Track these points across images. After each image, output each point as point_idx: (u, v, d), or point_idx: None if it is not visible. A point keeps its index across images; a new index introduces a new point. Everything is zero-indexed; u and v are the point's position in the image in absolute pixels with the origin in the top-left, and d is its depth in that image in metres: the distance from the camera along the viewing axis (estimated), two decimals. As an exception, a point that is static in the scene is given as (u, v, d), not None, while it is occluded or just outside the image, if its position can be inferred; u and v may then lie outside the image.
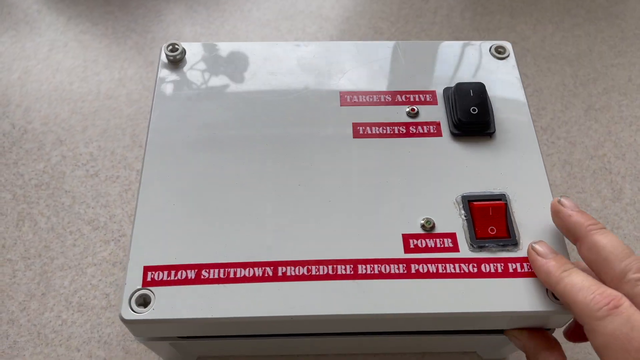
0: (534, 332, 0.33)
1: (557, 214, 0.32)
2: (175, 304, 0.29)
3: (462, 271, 0.30)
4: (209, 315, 0.29)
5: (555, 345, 0.32)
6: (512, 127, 0.37)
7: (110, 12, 0.60)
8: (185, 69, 0.38)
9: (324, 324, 0.30)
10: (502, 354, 0.42)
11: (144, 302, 0.29)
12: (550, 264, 0.30)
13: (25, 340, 0.42)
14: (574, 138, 0.53)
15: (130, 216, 0.47)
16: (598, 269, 0.29)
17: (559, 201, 0.32)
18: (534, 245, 0.31)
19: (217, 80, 0.38)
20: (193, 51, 0.39)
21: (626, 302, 0.26)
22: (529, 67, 0.58)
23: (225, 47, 0.40)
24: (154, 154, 0.35)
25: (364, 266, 0.30)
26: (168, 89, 0.37)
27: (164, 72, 0.38)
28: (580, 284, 0.28)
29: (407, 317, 0.30)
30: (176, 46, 0.39)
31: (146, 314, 0.29)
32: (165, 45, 0.39)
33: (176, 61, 0.38)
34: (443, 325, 0.31)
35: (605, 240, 0.29)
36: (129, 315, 0.29)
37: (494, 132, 0.36)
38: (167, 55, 0.38)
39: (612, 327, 0.25)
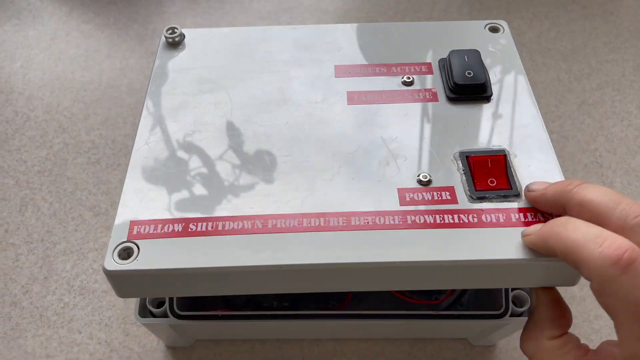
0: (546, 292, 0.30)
1: (534, 202, 0.29)
2: (160, 255, 0.28)
3: (461, 221, 0.29)
4: (195, 265, 0.27)
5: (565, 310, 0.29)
6: (510, 92, 0.36)
7: (113, 2, 0.61)
8: (184, 51, 0.39)
9: (315, 276, 0.29)
10: (491, 341, 0.43)
11: (127, 255, 0.28)
12: (542, 231, 0.27)
13: (28, 322, 0.43)
14: (567, 132, 0.54)
15: (131, 203, 0.48)
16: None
17: (528, 190, 0.29)
18: (523, 232, 0.28)
19: (215, 58, 0.39)
20: (192, 36, 0.40)
21: None
22: (524, 62, 0.59)
23: (222, 31, 0.41)
24: (150, 113, 0.35)
25: (357, 218, 0.29)
26: (167, 64, 0.38)
27: (164, 52, 0.39)
28: (582, 238, 0.24)
29: (402, 266, 0.28)
30: (175, 30, 0.39)
31: (129, 265, 0.27)
32: (165, 29, 0.40)
33: (175, 43, 0.39)
34: (440, 278, 0.30)
35: (590, 195, 0.25)
36: (112, 266, 0.27)
37: (491, 95, 0.35)
38: (166, 38, 0.39)
39: (625, 289, 0.22)
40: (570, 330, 0.28)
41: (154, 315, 0.36)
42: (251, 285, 0.29)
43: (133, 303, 0.44)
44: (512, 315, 0.36)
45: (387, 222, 0.29)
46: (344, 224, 0.29)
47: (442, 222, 0.29)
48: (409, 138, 0.33)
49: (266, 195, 0.30)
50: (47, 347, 0.42)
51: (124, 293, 0.29)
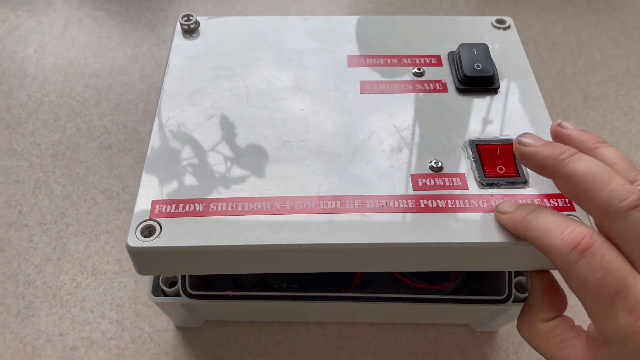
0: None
1: (523, 156, 0.28)
2: (182, 233, 0.29)
3: (471, 205, 0.30)
4: (216, 243, 0.28)
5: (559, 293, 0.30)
6: (517, 85, 0.37)
7: (124, -11, 0.62)
8: (199, 38, 0.40)
9: (331, 256, 0.30)
10: (493, 327, 0.44)
11: (149, 233, 0.29)
12: (515, 215, 0.28)
13: (41, 301, 0.44)
14: (571, 125, 0.55)
15: (142, 187, 0.49)
16: (579, 203, 0.26)
17: (519, 142, 0.28)
18: (497, 207, 0.30)
19: (230, 46, 0.39)
20: (206, 23, 0.41)
21: (598, 241, 0.24)
22: (530, 55, 0.59)
23: (237, 20, 0.42)
24: (168, 97, 0.36)
25: (372, 201, 0.30)
26: (183, 50, 0.39)
27: (179, 39, 0.40)
28: (547, 227, 0.25)
29: (415, 247, 0.29)
30: (190, 17, 0.40)
31: (152, 242, 0.28)
32: (180, 16, 0.41)
33: (190, 30, 0.40)
34: (452, 259, 0.31)
35: (581, 168, 0.25)
36: (135, 242, 0.28)
37: (499, 87, 0.37)
38: (181, 25, 0.40)
39: (584, 272, 0.24)
40: (569, 314, 0.29)
41: (166, 295, 0.37)
42: (270, 264, 0.30)
43: (144, 284, 0.45)
44: (514, 300, 0.37)
45: (401, 206, 0.30)
46: (359, 207, 0.30)
47: (454, 206, 0.30)
48: (420, 126, 0.35)
49: (283, 178, 0.31)
50: (60, 325, 0.43)
51: (145, 270, 0.30)
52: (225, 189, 0.31)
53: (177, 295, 0.36)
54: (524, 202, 0.30)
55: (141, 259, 0.29)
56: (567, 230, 0.24)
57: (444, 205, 0.30)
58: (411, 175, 0.32)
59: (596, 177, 0.24)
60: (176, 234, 0.29)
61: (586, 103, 0.57)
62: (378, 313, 0.43)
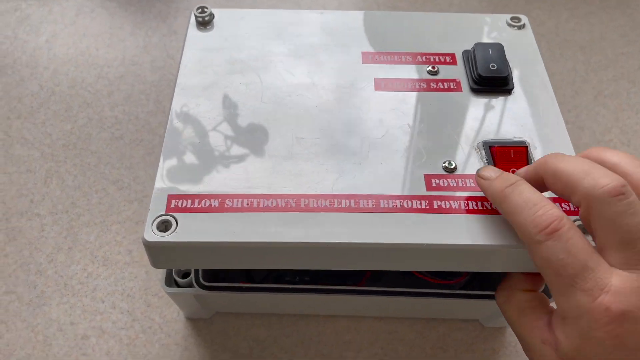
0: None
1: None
2: (197, 228, 0.29)
3: (484, 208, 0.30)
4: (231, 240, 0.29)
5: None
6: (531, 86, 0.37)
7: (135, -20, 0.62)
8: (213, 30, 0.40)
9: (345, 254, 0.30)
10: (502, 323, 0.44)
11: (165, 228, 0.29)
12: (494, 184, 0.29)
13: (53, 290, 0.44)
14: (582, 123, 0.55)
15: (153, 178, 0.49)
16: (565, 196, 0.27)
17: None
18: (478, 171, 0.31)
19: (244, 39, 0.39)
20: (221, 16, 0.41)
21: (566, 225, 0.25)
22: (542, 52, 0.59)
23: (251, 13, 0.42)
24: (182, 90, 0.36)
25: (385, 201, 0.31)
26: (197, 43, 0.39)
27: (193, 31, 0.40)
28: (522, 204, 0.27)
29: (429, 248, 0.29)
30: (205, 9, 0.40)
31: (168, 237, 0.29)
32: (195, 8, 0.41)
33: (204, 22, 0.40)
34: (466, 260, 0.31)
35: (562, 165, 0.27)
36: (152, 237, 0.29)
37: (513, 88, 0.37)
38: (196, 17, 0.40)
39: (548, 252, 0.25)
40: None
41: (178, 285, 0.37)
42: (283, 261, 0.31)
43: (154, 275, 0.45)
44: (526, 296, 0.37)
45: (414, 206, 0.30)
46: (373, 206, 0.30)
47: (467, 208, 0.30)
48: (434, 126, 0.35)
49: (298, 175, 0.32)
50: (71, 314, 0.43)
51: (160, 264, 0.31)
52: (241, 185, 0.31)
53: (190, 286, 0.36)
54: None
55: (157, 253, 0.30)
56: (540, 211, 0.26)
57: (457, 207, 0.30)
58: (425, 175, 0.32)
59: (577, 170, 0.26)
60: (192, 229, 0.29)
61: (598, 100, 0.57)
62: (387, 307, 0.43)
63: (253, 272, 0.41)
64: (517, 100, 0.36)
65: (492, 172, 0.30)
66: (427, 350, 0.44)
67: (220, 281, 0.38)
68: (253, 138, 0.34)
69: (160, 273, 0.45)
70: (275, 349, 0.43)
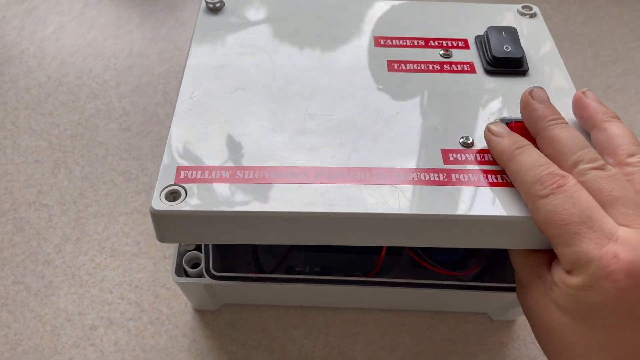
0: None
1: (525, 106, 0.31)
2: (208, 198, 0.28)
3: (504, 181, 0.30)
4: (243, 209, 0.28)
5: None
6: (546, 68, 0.37)
7: (143, -28, 0.62)
8: (224, 15, 0.40)
9: (360, 226, 0.29)
10: (511, 316, 0.44)
11: (173, 198, 0.28)
12: (504, 142, 0.29)
13: (61, 281, 0.44)
14: (591, 116, 0.55)
15: (161, 169, 0.49)
16: (553, 161, 0.28)
17: (530, 92, 0.31)
18: (489, 125, 0.31)
19: (255, 23, 0.39)
20: (231, 2, 0.40)
21: (571, 181, 0.26)
22: (550, 46, 0.59)
23: None
24: (192, 69, 0.35)
25: (402, 174, 0.30)
26: (208, 28, 0.38)
27: (204, 18, 0.39)
28: (530, 163, 0.27)
29: (447, 219, 0.28)
30: None
31: (177, 205, 0.27)
32: None
33: (215, 9, 0.40)
34: (484, 234, 0.30)
35: (563, 134, 0.28)
36: (160, 206, 0.27)
37: (528, 70, 0.36)
38: (207, 3, 0.39)
39: (553, 204, 0.26)
40: None
41: (188, 275, 0.37)
42: (297, 234, 0.30)
43: (162, 266, 0.45)
44: (537, 288, 0.37)
45: (432, 179, 0.30)
46: (390, 179, 0.29)
47: (487, 180, 0.30)
48: (449, 105, 0.34)
49: (311, 149, 0.31)
50: (79, 304, 0.43)
51: (167, 236, 0.29)
52: (253, 158, 0.30)
53: (200, 276, 0.36)
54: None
55: (164, 224, 0.28)
56: (548, 170, 0.27)
57: (476, 180, 0.30)
58: (442, 150, 0.31)
59: (572, 142, 0.28)
60: (202, 199, 0.28)
61: (606, 95, 0.56)
62: (396, 300, 0.43)
63: (263, 263, 0.41)
64: (532, 82, 0.36)
65: (502, 129, 0.30)
66: (436, 342, 0.44)
67: (228, 272, 0.38)
68: (265, 114, 0.33)
69: (169, 264, 0.45)
70: (284, 340, 0.43)
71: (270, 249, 0.45)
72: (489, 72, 0.36)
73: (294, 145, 0.31)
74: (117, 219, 0.47)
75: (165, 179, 0.29)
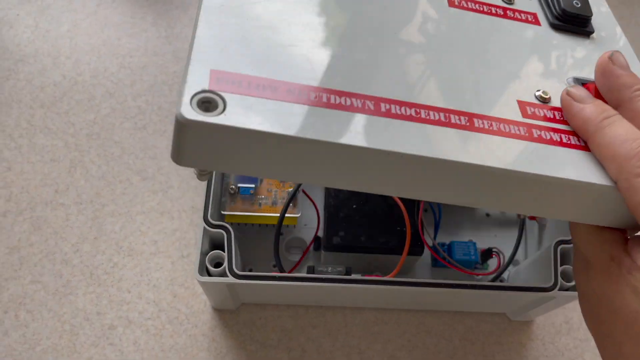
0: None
1: (604, 72, 0.27)
2: (251, 114, 0.22)
3: (574, 144, 0.27)
4: (293, 133, 0.22)
5: None
6: (608, 34, 0.34)
7: (156, -30, 0.61)
8: None
9: (428, 173, 0.25)
10: (530, 317, 0.44)
11: (206, 109, 0.22)
12: (589, 109, 0.26)
13: (78, 280, 0.44)
14: None
15: (177, 168, 0.49)
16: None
17: (610, 57, 0.27)
18: (569, 89, 0.27)
19: None
20: None
21: None
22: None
23: None
24: None
25: (480, 120, 0.26)
26: None
27: None
28: (624, 136, 0.24)
29: (522, 176, 0.25)
30: None
31: (214, 117, 0.22)
32: None
33: None
34: (563, 201, 0.27)
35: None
36: (191, 114, 0.21)
37: (593, 32, 0.34)
38: None
39: None
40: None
41: (210, 274, 0.37)
42: (354, 175, 0.25)
43: (180, 266, 0.45)
44: (560, 289, 0.37)
45: (512, 132, 0.26)
46: (467, 124, 0.26)
47: (569, 142, 0.27)
48: (515, 55, 0.31)
49: (376, 78, 0.26)
50: (97, 304, 0.43)
51: (186, 155, 0.23)
52: (306, 76, 0.25)
53: (223, 275, 0.36)
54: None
55: (191, 139, 0.22)
56: None
57: (558, 140, 0.27)
58: (518, 101, 0.28)
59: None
60: (244, 113, 0.22)
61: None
62: (416, 300, 0.43)
63: (284, 262, 0.41)
64: (597, 45, 0.33)
65: (585, 93, 0.27)
66: (454, 342, 0.44)
67: (246, 271, 0.38)
68: (321, 28, 0.28)
69: (187, 264, 0.45)
70: (303, 340, 0.43)
71: (288, 248, 0.45)
72: (555, 27, 0.33)
73: (358, 71, 0.26)
74: (134, 218, 0.47)
75: (196, 82, 0.23)
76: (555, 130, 0.27)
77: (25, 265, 0.44)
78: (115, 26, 0.56)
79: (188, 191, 0.48)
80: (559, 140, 0.26)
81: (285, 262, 0.43)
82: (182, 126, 0.22)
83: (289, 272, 0.42)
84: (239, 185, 0.41)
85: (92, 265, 0.45)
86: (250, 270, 0.44)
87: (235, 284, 0.36)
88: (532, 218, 0.45)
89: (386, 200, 0.41)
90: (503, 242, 0.46)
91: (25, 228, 0.45)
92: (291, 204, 0.40)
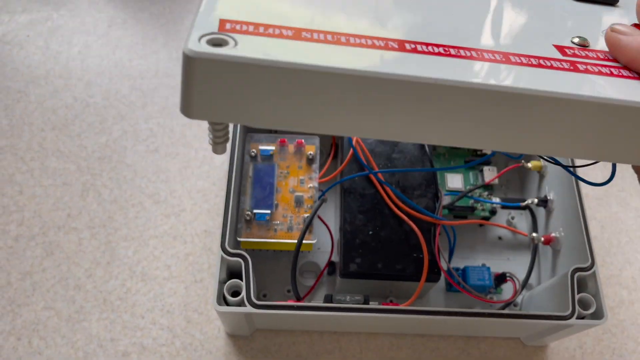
0: None
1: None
2: (263, 48, 0.21)
3: (627, 75, 0.25)
4: (311, 62, 0.21)
5: None
6: (632, 5, 0.32)
7: (166, -9, 0.62)
8: None
9: (462, 104, 0.23)
10: (544, 342, 0.44)
11: (216, 44, 0.21)
12: (638, 39, 0.24)
13: (92, 306, 0.44)
14: None
15: (189, 192, 0.49)
16: None
17: (612, 29, 0.26)
18: (613, 26, 0.26)
19: None
20: None
21: None
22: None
23: None
24: None
25: (516, 57, 0.24)
26: None
27: None
28: None
29: (563, 98, 0.23)
30: None
31: (226, 50, 0.20)
32: None
33: None
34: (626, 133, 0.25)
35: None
36: (199, 47, 0.20)
37: (618, 1, 0.32)
38: None
39: None
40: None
41: (227, 303, 0.37)
42: (375, 111, 0.23)
43: (194, 291, 0.45)
44: (578, 317, 0.37)
45: (552, 65, 0.24)
46: (502, 59, 0.24)
47: (620, 74, 0.25)
48: (547, 7, 0.30)
49: (402, 23, 0.25)
50: (111, 330, 0.43)
51: (197, 103, 0.22)
52: (325, 20, 0.24)
53: (241, 304, 0.36)
54: None
55: (201, 80, 0.21)
56: None
57: (608, 72, 0.25)
58: (555, 46, 0.26)
59: None
60: (256, 47, 0.21)
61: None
62: (431, 326, 0.43)
63: (299, 289, 0.41)
64: (622, 14, 0.31)
65: (631, 27, 0.26)
66: (470, 368, 0.44)
67: (261, 299, 0.37)
68: None
69: (200, 289, 0.45)
70: (318, 367, 0.43)
71: (302, 272, 0.45)
72: None
73: (383, 19, 0.25)
74: (147, 242, 0.47)
75: (204, 25, 0.21)
76: (602, 65, 0.25)
77: (38, 290, 0.44)
78: (126, 48, 0.56)
79: (201, 214, 0.48)
80: (609, 73, 0.25)
81: (299, 287, 0.43)
82: (191, 62, 0.20)
83: (304, 297, 0.42)
84: (255, 211, 0.41)
85: (106, 290, 0.44)
86: (265, 295, 0.44)
87: (252, 313, 0.36)
88: (547, 242, 0.45)
89: (402, 225, 0.41)
90: (515, 265, 0.46)
91: (38, 253, 0.45)
92: (307, 230, 0.40)
